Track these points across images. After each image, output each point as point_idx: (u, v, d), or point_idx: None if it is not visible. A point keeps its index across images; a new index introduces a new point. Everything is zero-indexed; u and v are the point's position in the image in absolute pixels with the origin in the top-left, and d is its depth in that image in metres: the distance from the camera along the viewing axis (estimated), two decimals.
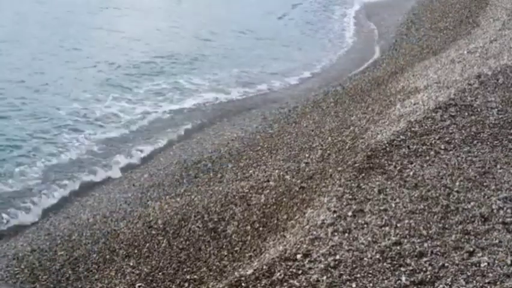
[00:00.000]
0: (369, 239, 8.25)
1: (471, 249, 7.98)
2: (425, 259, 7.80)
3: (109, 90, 18.42)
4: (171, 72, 20.28)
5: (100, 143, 15.42)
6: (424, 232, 8.38)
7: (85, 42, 22.52)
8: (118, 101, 17.72)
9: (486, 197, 9.28)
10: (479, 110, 12.55)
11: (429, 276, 7.48)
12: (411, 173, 10.06)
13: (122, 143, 15.51)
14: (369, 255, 7.90)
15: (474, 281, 7.37)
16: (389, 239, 8.22)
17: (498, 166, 10.27)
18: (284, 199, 10.70)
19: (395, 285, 7.37)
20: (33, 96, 17.34)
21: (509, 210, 8.88)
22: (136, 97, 18.13)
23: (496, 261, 7.72)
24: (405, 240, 8.20)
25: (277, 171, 12.19)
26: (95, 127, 16.12)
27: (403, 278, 7.46)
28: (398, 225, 8.57)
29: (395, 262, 7.77)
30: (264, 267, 7.97)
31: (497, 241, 8.16)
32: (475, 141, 11.19)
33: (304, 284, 7.49)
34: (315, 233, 8.56)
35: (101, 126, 16.15)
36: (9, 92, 17.31)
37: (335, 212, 9.02)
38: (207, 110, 17.92)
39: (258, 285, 7.65)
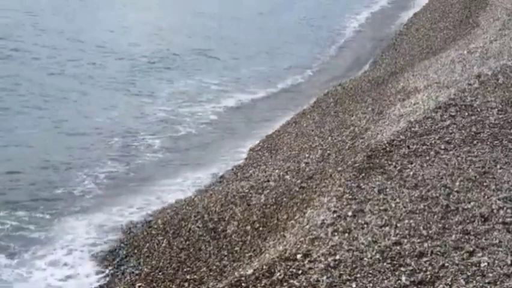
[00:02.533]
0: (369, 239, 8.25)
1: (471, 249, 7.98)
2: (425, 259, 7.80)
3: (135, 92, 18.23)
4: (185, 71, 20.12)
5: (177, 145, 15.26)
6: (424, 232, 8.38)
7: (97, 39, 22.34)
8: (159, 104, 17.48)
9: (486, 197, 9.28)
10: (479, 110, 12.56)
11: (429, 276, 7.48)
12: (411, 173, 10.05)
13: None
14: (369, 255, 7.90)
15: (474, 281, 7.37)
16: (389, 239, 8.22)
17: (498, 166, 10.27)
18: (284, 199, 10.69)
19: (395, 285, 7.36)
20: (59, 105, 16.88)
21: (509, 210, 8.88)
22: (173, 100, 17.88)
23: (496, 261, 7.72)
24: (405, 240, 8.20)
25: (277, 171, 12.18)
26: (160, 131, 15.75)
27: (403, 278, 7.46)
28: (398, 225, 8.57)
29: (395, 262, 7.77)
30: (264, 267, 7.97)
31: (497, 241, 8.16)
32: (475, 141, 11.19)
33: (304, 284, 7.49)
34: (315, 233, 8.56)
35: (162, 132, 15.78)
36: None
37: (335, 212, 9.02)
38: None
39: (258, 285, 7.65)
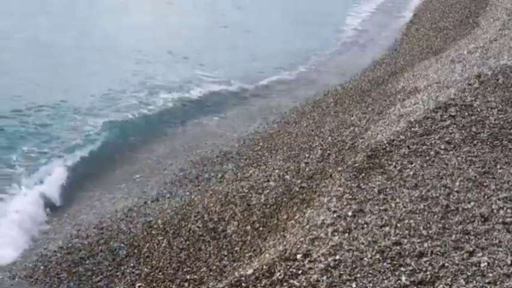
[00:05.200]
0: (369, 239, 8.25)
1: (471, 249, 7.97)
2: (425, 259, 7.80)
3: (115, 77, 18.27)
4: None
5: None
6: (424, 232, 8.38)
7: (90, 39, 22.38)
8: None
9: (486, 197, 9.28)
10: (479, 110, 12.55)
11: (429, 276, 7.48)
12: (411, 173, 10.05)
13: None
14: (369, 255, 7.90)
15: (474, 281, 7.37)
16: (389, 239, 8.22)
17: (498, 166, 10.27)
18: (284, 199, 10.70)
19: (395, 285, 7.36)
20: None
21: (509, 210, 8.88)
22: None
23: (496, 261, 7.72)
24: (405, 240, 8.19)
25: (277, 171, 12.18)
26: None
27: (403, 278, 7.46)
28: (398, 225, 8.57)
29: (395, 262, 7.77)
30: (264, 267, 7.97)
31: (497, 241, 8.16)
32: (475, 141, 11.19)
33: (304, 284, 7.49)
34: (315, 233, 8.56)
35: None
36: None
37: (335, 212, 9.02)
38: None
39: (258, 285, 7.65)
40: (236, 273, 8.32)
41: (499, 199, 9.19)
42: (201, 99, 17.93)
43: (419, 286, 7.35)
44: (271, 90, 19.15)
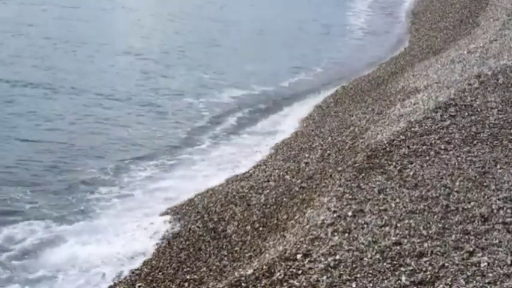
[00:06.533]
0: (369, 239, 8.25)
1: (471, 249, 7.98)
2: (425, 259, 7.80)
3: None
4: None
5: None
6: (424, 232, 8.38)
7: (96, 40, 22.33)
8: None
9: (486, 197, 9.28)
10: (479, 110, 12.56)
11: (429, 276, 7.48)
12: (411, 173, 10.06)
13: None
14: (369, 255, 7.90)
15: (474, 281, 7.37)
16: (389, 239, 8.22)
17: (498, 166, 10.27)
18: (284, 199, 10.69)
19: (395, 285, 7.36)
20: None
21: (509, 210, 8.88)
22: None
23: (496, 261, 7.72)
24: (405, 240, 8.20)
25: (277, 171, 12.18)
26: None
27: (403, 278, 7.46)
28: (398, 225, 8.57)
29: (395, 262, 7.77)
30: (264, 267, 7.97)
31: (497, 241, 8.16)
32: (475, 141, 11.19)
33: (304, 284, 7.49)
34: (315, 233, 8.57)
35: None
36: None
37: (335, 212, 9.03)
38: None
39: (258, 285, 7.64)
40: (236, 273, 8.32)
41: (499, 199, 9.19)
42: (225, 104, 17.68)
43: (419, 286, 7.35)
44: (292, 92, 19.01)
